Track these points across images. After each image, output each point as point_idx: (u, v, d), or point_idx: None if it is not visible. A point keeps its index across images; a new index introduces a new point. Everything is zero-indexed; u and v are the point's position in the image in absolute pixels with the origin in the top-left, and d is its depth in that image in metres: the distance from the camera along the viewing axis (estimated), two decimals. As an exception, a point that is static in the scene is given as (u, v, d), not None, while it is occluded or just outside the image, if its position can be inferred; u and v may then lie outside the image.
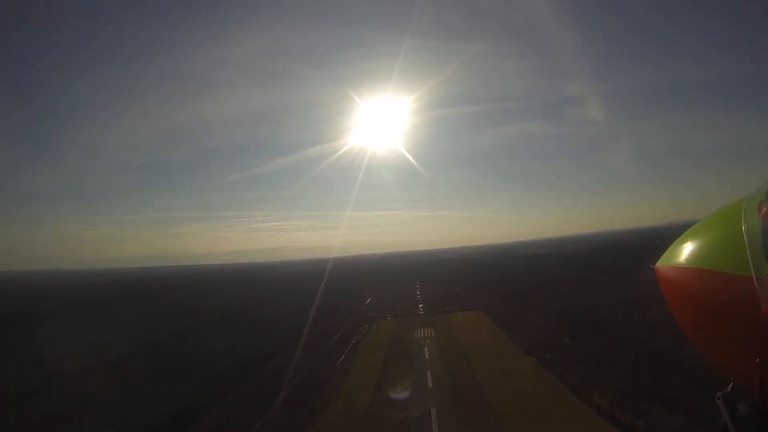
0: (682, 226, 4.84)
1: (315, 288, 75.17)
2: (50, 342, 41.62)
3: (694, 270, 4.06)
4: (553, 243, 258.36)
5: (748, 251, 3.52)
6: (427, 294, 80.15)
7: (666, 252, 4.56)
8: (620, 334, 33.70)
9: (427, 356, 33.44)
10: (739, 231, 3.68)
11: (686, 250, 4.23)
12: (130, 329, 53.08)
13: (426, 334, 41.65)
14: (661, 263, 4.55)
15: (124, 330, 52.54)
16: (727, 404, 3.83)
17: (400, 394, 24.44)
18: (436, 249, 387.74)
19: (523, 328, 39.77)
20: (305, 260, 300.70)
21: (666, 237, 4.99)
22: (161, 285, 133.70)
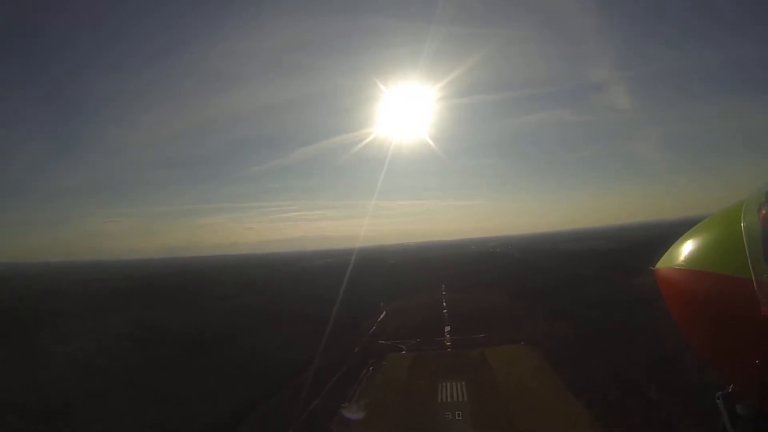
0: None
1: (329, 294, 63.54)
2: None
3: (693, 272, 4.08)
4: (581, 235, 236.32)
5: (747, 253, 3.56)
6: (454, 306, 67.53)
7: (665, 254, 4.50)
8: None
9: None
10: (739, 233, 3.73)
11: (686, 251, 4.23)
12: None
13: (455, 396, 29.11)
14: (661, 265, 4.51)
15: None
16: (727, 404, 3.83)
17: None
18: (462, 239, 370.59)
19: (602, 386, 26.91)
20: (330, 250, 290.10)
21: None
22: (167, 278, 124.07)
